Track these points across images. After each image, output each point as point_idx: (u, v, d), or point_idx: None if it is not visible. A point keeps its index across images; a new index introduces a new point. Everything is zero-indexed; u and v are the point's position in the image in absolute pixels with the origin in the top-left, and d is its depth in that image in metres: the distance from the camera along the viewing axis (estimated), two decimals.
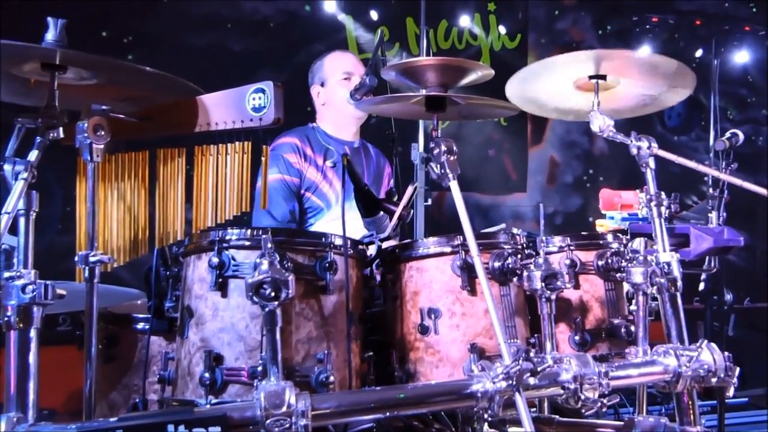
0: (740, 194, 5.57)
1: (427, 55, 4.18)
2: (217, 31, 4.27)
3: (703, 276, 2.32)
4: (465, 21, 4.62)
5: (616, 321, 1.60)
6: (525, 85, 1.86)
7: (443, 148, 1.40)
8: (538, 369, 1.20)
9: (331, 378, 1.31)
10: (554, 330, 1.59)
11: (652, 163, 1.71)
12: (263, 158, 1.30)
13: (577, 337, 1.59)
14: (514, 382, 1.16)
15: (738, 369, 1.52)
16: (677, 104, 5.45)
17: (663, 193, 1.73)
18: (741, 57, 4.78)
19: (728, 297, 3.92)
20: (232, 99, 1.31)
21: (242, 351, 1.31)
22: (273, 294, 1.17)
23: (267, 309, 1.17)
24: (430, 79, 1.47)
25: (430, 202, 3.91)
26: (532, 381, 1.21)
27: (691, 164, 1.77)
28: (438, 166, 1.40)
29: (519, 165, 4.99)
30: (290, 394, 1.11)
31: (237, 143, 1.33)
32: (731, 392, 1.50)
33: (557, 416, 1.76)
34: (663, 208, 1.66)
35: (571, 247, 1.64)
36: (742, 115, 5.15)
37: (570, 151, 4.93)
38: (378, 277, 1.62)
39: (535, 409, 1.81)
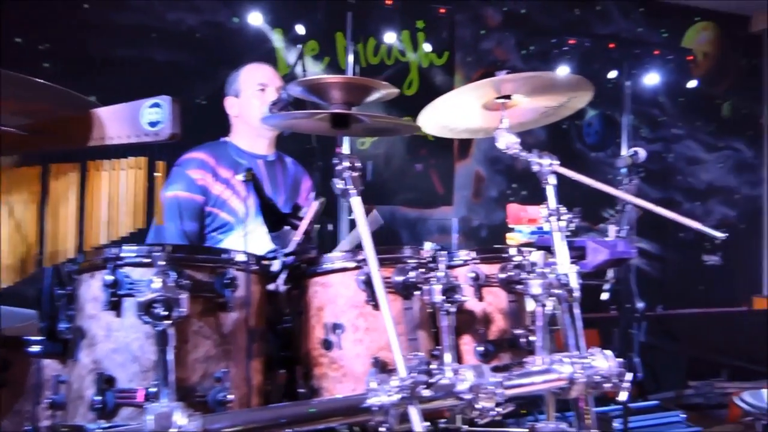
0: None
1: (354, 70, 4.22)
2: (141, 41, 4.17)
3: (606, 286, 2.43)
4: (391, 38, 4.69)
5: (517, 332, 1.65)
6: (437, 113, 1.92)
7: (346, 164, 1.41)
8: (432, 381, 1.22)
9: (230, 397, 1.29)
10: (458, 342, 1.65)
11: (552, 179, 1.79)
12: (156, 174, 1.27)
13: (480, 348, 1.63)
14: (408, 395, 1.18)
15: (630, 374, 1.60)
16: (595, 122, 5.71)
17: (564, 207, 1.81)
18: (651, 79, 5.06)
19: (640, 305, 4.11)
20: (127, 113, 1.28)
21: (136, 372, 1.28)
22: (164, 313, 1.15)
23: (158, 328, 1.15)
24: (335, 96, 1.48)
25: (353, 216, 3.93)
26: (426, 393, 1.23)
27: (588, 181, 1.85)
28: (341, 181, 1.41)
29: (445, 179, 5.09)
30: (180, 416, 1.09)
31: (132, 158, 1.30)
32: (623, 396, 1.57)
33: (466, 426, 1.80)
34: (563, 223, 1.73)
35: (476, 261, 1.69)
36: (654, 134, 5.43)
37: (495, 167, 5.07)
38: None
39: (445, 420, 1.84)
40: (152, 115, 1.28)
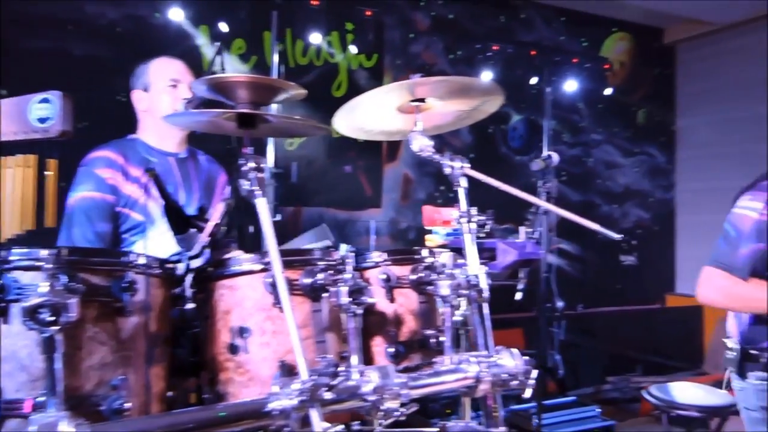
0: (574, 209, 6.03)
1: (279, 70, 4.18)
2: (57, 34, 3.99)
3: (520, 286, 2.50)
4: (318, 39, 4.67)
5: (427, 332, 1.67)
6: (352, 114, 1.92)
7: (252, 164, 1.39)
8: (334, 383, 1.22)
9: (127, 405, 1.24)
10: (369, 343, 1.65)
11: (464, 182, 1.82)
12: (48, 173, 1.21)
13: (391, 350, 1.64)
14: (309, 398, 1.17)
15: (536, 372, 1.65)
16: (520, 127, 5.86)
17: (476, 209, 1.85)
18: (571, 86, 5.26)
19: (560, 304, 4.26)
20: (14, 108, 1.21)
21: (24, 381, 1.21)
22: (51, 318, 1.09)
23: (45, 335, 1.09)
24: (241, 95, 1.46)
25: (279, 217, 3.89)
26: (328, 395, 1.22)
27: (497, 184, 1.90)
28: (247, 182, 1.39)
29: (374, 182, 5.11)
30: (66, 426, 1.04)
31: (20, 156, 1.23)
32: (528, 393, 1.62)
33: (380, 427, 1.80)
34: (474, 225, 1.76)
35: (387, 263, 1.69)
36: (575, 139, 5.65)
37: (422, 169, 5.14)
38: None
39: (357, 422, 1.84)
40: (41, 111, 1.21)
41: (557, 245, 5.48)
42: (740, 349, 1.90)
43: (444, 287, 1.56)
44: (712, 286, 1.86)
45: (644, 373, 5.08)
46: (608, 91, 5.60)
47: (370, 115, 1.95)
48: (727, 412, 2.65)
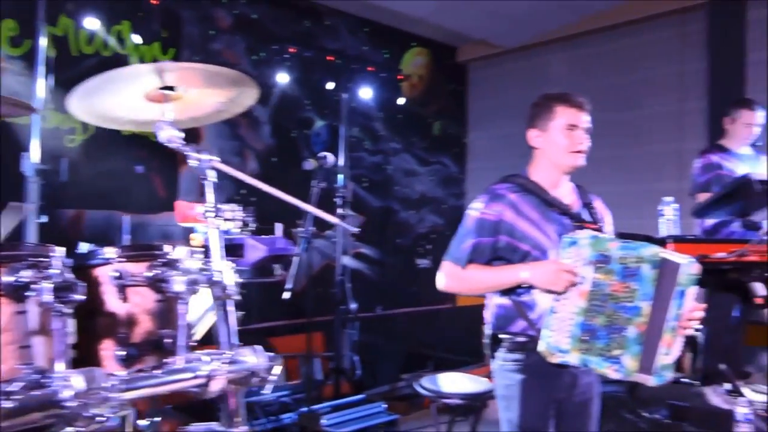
0: (374, 214, 6.26)
1: (47, 56, 3.78)
2: None
3: (288, 286, 2.50)
4: (98, 26, 4.34)
5: (163, 332, 1.58)
6: (92, 100, 1.77)
7: None
8: (16, 392, 1.09)
9: None
10: (96, 347, 1.52)
11: (212, 175, 1.77)
12: None
13: (122, 353, 1.52)
14: None
15: (279, 368, 1.63)
16: (323, 132, 5.91)
17: (234, 205, 1.81)
18: (371, 95, 5.46)
19: (354, 306, 4.36)
20: None
21: None
22: None
23: None
24: None
25: (45, 219, 3.51)
26: (9, 404, 1.09)
27: (251, 180, 1.87)
28: None
29: (169, 183, 4.85)
30: None
31: None
32: (268, 389, 1.60)
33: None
34: (222, 220, 1.72)
35: (120, 259, 1.58)
36: (375, 146, 5.85)
37: (222, 171, 4.96)
38: None
39: None
40: None
41: (357, 249, 5.64)
42: (491, 334, 2.06)
43: (178, 283, 1.49)
44: (442, 275, 2.07)
45: (435, 369, 5.37)
46: (408, 103, 5.89)
47: (117, 102, 1.82)
48: (487, 397, 2.87)
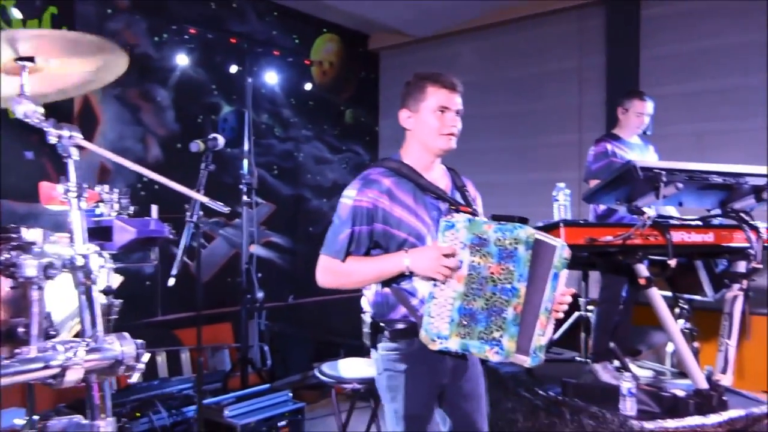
0: (285, 202, 6.14)
1: None
2: None
3: (174, 272, 2.40)
4: None
5: (16, 321, 1.47)
6: None
7: None
8: None
9: None
10: None
11: (75, 153, 1.66)
12: None
13: None
14: None
15: (148, 356, 1.56)
16: (230, 118, 5.75)
17: (106, 186, 1.71)
18: (280, 81, 5.35)
19: (260, 295, 4.28)
20: None
21: None
22: None
23: None
24: None
25: None
26: None
27: (120, 161, 1.78)
28: None
29: (62, 171, 4.57)
30: None
31: None
32: (135, 378, 1.52)
33: None
34: (83, 201, 1.61)
35: None
36: (286, 133, 5.75)
37: (124, 157, 4.73)
38: None
39: None
40: None
41: (267, 238, 5.54)
42: (371, 323, 2.02)
43: (30, 267, 1.39)
44: (320, 270, 1.99)
45: (346, 356, 5.37)
46: (319, 90, 5.81)
47: None
48: None
